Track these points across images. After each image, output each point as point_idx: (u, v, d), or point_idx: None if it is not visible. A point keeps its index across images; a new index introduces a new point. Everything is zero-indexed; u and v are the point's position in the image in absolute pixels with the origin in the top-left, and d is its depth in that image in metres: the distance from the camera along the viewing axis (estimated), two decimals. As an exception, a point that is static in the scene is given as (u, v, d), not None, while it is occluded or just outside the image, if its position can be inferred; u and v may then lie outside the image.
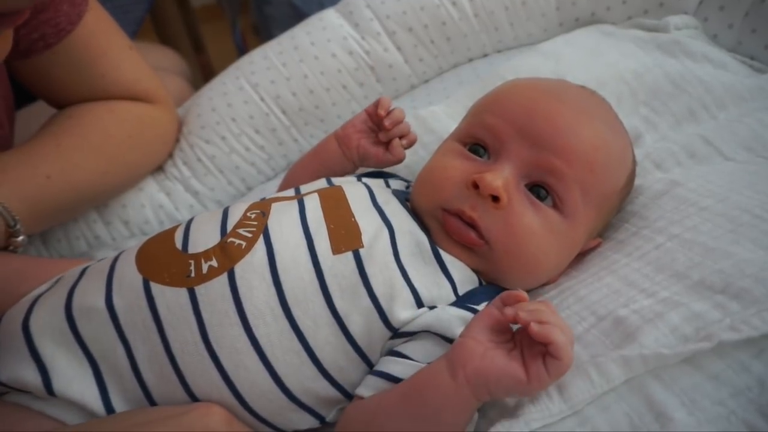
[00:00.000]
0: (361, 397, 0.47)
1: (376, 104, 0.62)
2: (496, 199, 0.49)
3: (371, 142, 0.64)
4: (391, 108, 0.63)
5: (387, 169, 0.70)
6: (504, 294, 0.44)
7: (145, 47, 1.17)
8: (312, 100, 0.83)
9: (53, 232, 0.78)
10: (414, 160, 0.72)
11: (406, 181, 0.66)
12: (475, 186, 0.49)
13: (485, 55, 0.89)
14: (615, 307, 0.48)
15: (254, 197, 0.80)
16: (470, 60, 0.89)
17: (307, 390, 0.48)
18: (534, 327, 0.40)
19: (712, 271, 0.47)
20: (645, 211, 0.57)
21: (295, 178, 0.69)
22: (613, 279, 0.51)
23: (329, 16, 0.87)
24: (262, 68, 0.84)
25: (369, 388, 0.47)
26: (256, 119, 0.83)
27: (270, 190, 0.81)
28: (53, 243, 0.78)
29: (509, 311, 0.42)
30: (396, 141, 0.63)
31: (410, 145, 0.64)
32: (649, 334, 0.44)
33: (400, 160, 0.64)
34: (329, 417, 0.50)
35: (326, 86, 0.83)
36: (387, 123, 0.61)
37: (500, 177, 0.49)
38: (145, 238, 0.55)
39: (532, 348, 0.41)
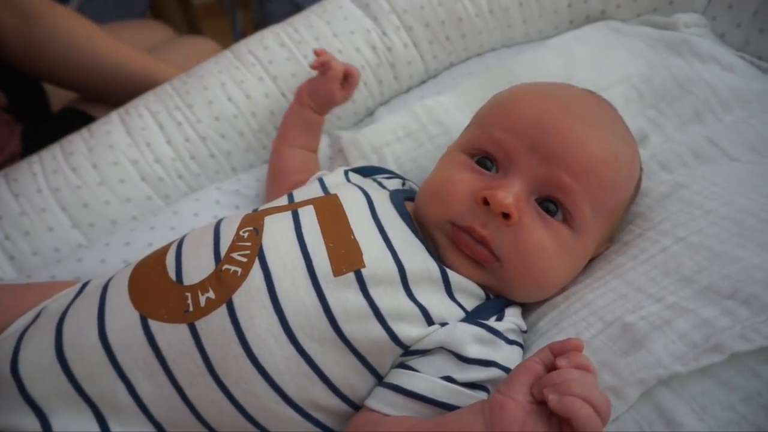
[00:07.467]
0: (371, 409, 0.46)
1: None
2: (506, 216, 0.48)
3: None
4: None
5: (389, 166, 0.69)
6: (553, 345, 0.42)
7: (183, 39, 1.17)
8: (333, 97, 0.78)
9: (22, 252, 0.67)
10: (420, 153, 0.72)
11: (401, 178, 0.66)
12: (486, 203, 0.48)
13: (494, 50, 0.88)
14: (622, 312, 0.48)
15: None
16: (480, 55, 0.88)
17: (319, 408, 0.47)
18: (552, 401, 0.37)
19: (720, 276, 0.46)
20: (649, 213, 0.57)
21: (280, 160, 0.69)
22: (619, 283, 0.51)
23: (347, 5, 0.82)
24: (280, 58, 0.78)
25: (378, 399, 0.46)
26: (277, 116, 0.75)
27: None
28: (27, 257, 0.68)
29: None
30: (328, 58, 0.68)
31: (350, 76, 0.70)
32: (658, 340, 0.44)
33: (343, 67, 0.69)
34: None
35: (349, 83, 0.78)
36: (313, 66, 0.69)
37: (511, 194, 0.48)
38: (132, 264, 0.53)
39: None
